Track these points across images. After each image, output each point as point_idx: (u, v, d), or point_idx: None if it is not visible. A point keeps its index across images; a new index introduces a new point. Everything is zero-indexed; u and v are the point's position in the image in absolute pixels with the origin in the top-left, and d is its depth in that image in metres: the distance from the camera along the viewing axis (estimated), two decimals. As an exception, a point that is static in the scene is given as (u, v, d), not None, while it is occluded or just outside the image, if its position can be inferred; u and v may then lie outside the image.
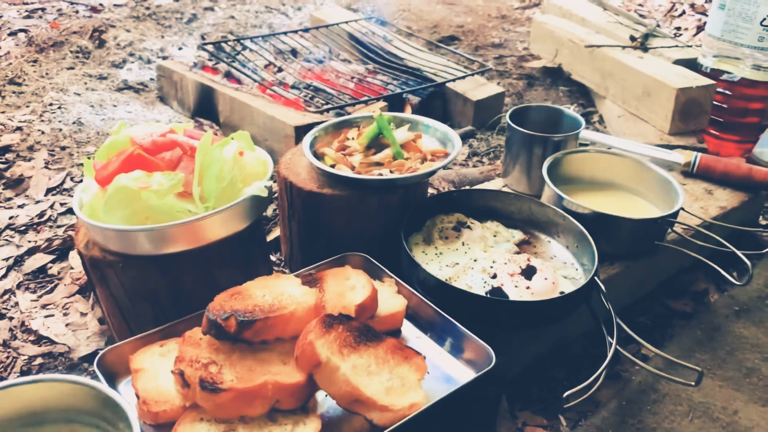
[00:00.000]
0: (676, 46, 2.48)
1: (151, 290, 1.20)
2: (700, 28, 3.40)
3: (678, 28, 3.50)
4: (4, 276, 1.56)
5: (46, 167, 2.00)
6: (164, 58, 2.84)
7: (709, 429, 1.20)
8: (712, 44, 2.13)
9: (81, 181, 1.91)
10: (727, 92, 2.09)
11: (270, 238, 1.66)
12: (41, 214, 1.78)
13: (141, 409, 1.00)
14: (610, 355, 1.13)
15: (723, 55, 2.11)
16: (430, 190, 1.83)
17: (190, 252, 1.16)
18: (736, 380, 1.32)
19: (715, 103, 2.10)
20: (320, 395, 1.05)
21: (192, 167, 1.18)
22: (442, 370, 1.13)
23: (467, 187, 1.85)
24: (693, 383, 1.11)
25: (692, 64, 2.24)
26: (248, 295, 1.06)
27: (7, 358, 1.33)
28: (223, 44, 2.60)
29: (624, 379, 1.32)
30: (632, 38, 2.48)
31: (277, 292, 1.08)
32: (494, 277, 1.28)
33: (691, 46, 2.52)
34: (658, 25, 3.09)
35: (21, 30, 3.11)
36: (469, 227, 1.42)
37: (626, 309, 1.49)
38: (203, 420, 0.97)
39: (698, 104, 2.06)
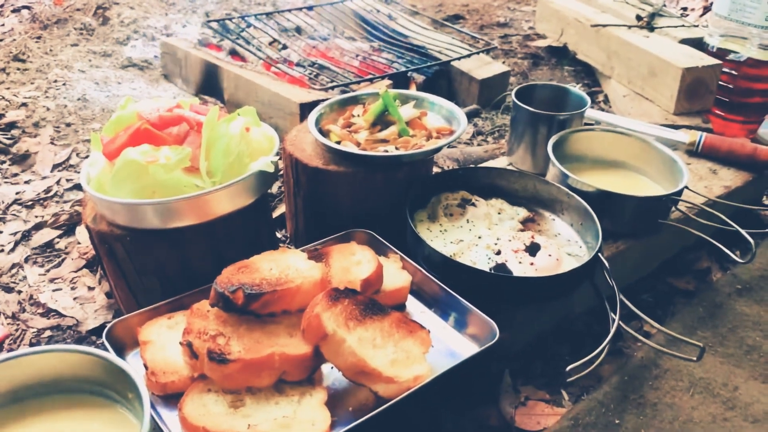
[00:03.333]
0: (683, 25, 2.46)
1: (158, 264, 1.21)
2: (706, 9, 3.37)
3: (684, 8, 3.48)
4: (12, 250, 1.57)
5: (52, 143, 2.00)
6: (168, 35, 2.83)
7: (709, 404, 1.22)
8: (718, 23, 2.12)
9: (87, 157, 1.92)
10: (733, 72, 2.09)
11: (275, 214, 1.67)
12: (48, 190, 1.79)
13: (149, 380, 1.02)
14: (612, 330, 1.14)
15: (730, 35, 2.10)
16: (435, 168, 1.84)
17: (197, 226, 1.17)
18: (737, 357, 1.33)
19: (720, 83, 2.09)
20: (326, 368, 1.07)
21: (199, 142, 1.18)
22: (446, 345, 1.14)
23: (472, 165, 1.85)
24: (695, 359, 1.12)
25: (698, 44, 2.23)
26: (255, 269, 1.07)
27: (17, 330, 1.35)
28: (227, 21, 2.59)
29: (626, 356, 1.33)
30: (638, 17, 2.47)
31: (284, 266, 1.09)
32: (498, 253, 1.29)
33: (697, 26, 2.51)
34: (665, 5, 3.07)
35: (24, 6, 3.10)
36: (473, 204, 1.43)
37: (629, 287, 1.50)
38: (211, 391, 0.99)
39: (704, 84, 2.06)
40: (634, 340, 1.35)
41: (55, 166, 1.90)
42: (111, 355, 0.92)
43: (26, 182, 1.83)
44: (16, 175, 1.87)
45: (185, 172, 1.16)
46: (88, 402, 0.94)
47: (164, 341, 1.07)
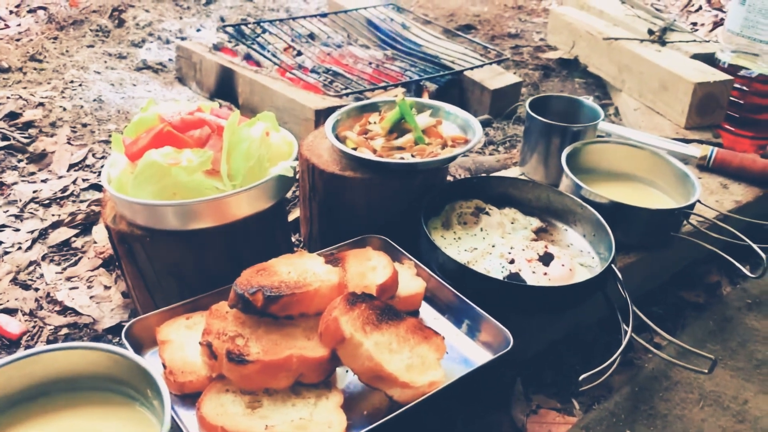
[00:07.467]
0: (694, 40, 2.48)
1: (176, 265, 1.22)
2: (716, 24, 3.39)
3: (694, 24, 3.49)
4: (30, 248, 1.59)
5: (69, 143, 2.02)
6: (183, 39, 2.86)
7: (719, 417, 1.23)
8: (730, 39, 2.13)
9: (103, 157, 1.94)
10: (744, 88, 2.10)
11: (289, 218, 1.68)
12: (64, 189, 1.81)
13: (167, 379, 1.03)
14: (625, 341, 1.15)
15: (741, 51, 2.12)
16: (447, 177, 1.85)
17: (215, 228, 1.18)
18: (746, 371, 1.34)
19: (731, 98, 2.11)
20: (340, 371, 1.08)
21: (220, 145, 1.20)
22: (459, 351, 1.15)
23: (484, 174, 1.86)
24: (706, 371, 1.13)
25: (710, 59, 2.24)
26: (274, 272, 1.09)
27: (34, 327, 1.36)
28: (242, 27, 2.61)
29: (636, 367, 1.34)
30: (650, 32, 2.49)
31: (302, 270, 1.10)
32: (512, 262, 1.31)
33: (709, 41, 2.52)
34: (675, 20, 3.09)
35: (40, 7, 3.13)
36: (487, 213, 1.44)
37: (639, 299, 1.50)
38: (229, 391, 1.00)
39: (715, 99, 2.07)
40: (645, 352, 1.36)
41: (71, 166, 1.92)
42: (131, 353, 0.93)
43: (43, 181, 1.85)
44: (33, 173, 1.89)
45: (206, 175, 1.17)
46: (107, 400, 0.95)
47: (182, 341, 1.08)
